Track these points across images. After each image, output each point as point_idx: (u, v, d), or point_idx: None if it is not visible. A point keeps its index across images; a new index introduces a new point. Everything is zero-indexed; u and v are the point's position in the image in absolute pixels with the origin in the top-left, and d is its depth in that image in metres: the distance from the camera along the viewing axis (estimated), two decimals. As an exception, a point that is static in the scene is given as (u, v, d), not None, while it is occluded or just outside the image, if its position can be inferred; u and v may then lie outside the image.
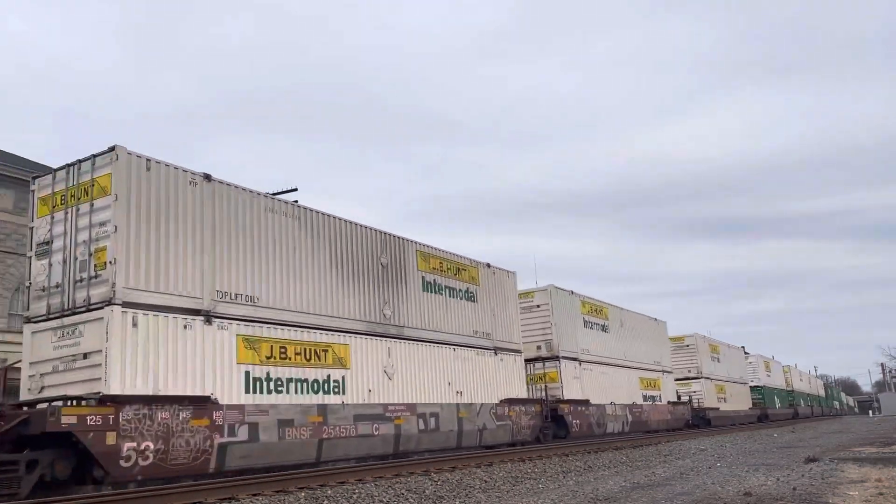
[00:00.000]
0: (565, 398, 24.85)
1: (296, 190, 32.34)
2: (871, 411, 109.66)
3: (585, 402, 26.07)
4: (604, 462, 17.24)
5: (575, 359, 26.29)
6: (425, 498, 11.32)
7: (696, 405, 39.31)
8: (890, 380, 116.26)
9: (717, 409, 42.00)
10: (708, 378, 41.99)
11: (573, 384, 25.64)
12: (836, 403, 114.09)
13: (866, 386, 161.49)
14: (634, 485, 12.56)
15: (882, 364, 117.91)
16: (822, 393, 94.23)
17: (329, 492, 11.15)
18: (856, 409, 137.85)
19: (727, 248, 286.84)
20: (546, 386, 24.66)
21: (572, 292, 27.90)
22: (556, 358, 25.26)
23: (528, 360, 24.05)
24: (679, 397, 37.52)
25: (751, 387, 52.23)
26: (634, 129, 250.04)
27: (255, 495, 10.62)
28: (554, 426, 24.06)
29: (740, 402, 47.79)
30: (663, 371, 35.24)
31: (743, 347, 52.87)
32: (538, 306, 25.91)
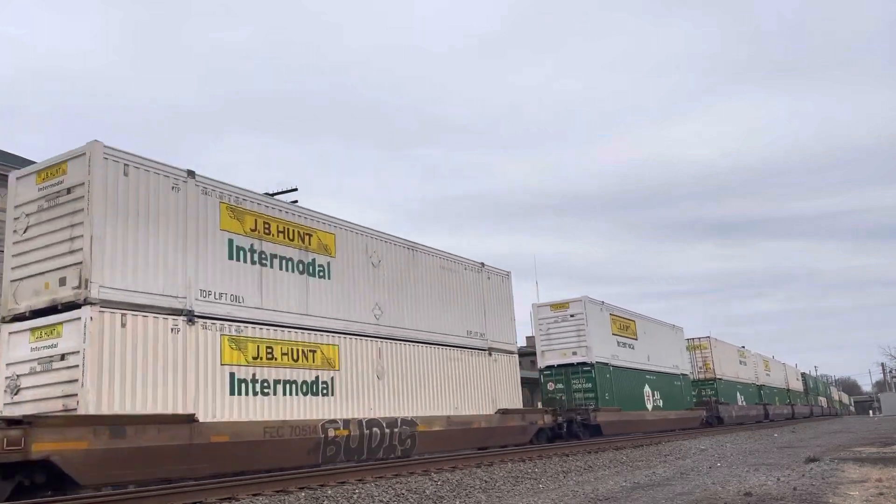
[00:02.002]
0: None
1: (296, 190, 32.41)
2: (871, 411, 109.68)
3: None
4: (604, 462, 17.24)
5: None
6: (425, 498, 11.30)
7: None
8: (890, 380, 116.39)
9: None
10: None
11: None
12: (825, 401, 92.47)
13: (867, 386, 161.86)
14: (635, 485, 12.55)
15: (882, 364, 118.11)
16: (794, 386, 69.03)
17: (329, 492, 11.15)
18: (851, 408, 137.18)
19: (727, 249, 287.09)
20: None
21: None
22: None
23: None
24: None
25: (578, 364, 27.90)
26: (635, 130, 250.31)
27: (255, 495, 10.61)
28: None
29: (472, 398, 19.85)
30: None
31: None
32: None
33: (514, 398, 22.24)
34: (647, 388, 32.54)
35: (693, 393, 40.17)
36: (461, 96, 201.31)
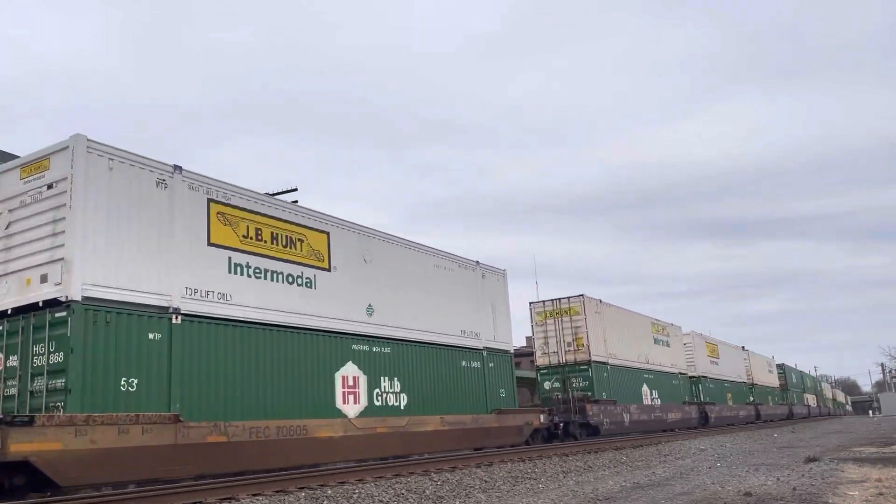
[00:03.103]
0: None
1: (296, 190, 32.36)
2: (871, 411, 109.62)
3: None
4: (604, 462, 17.25)
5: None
6: (425, 498, 11.31)
7: None
8: (890, 380, 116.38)
9: None
10: None
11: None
12: (813, 399, 77.62)
13: (866, 386, 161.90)
14: (634, 485, 12.56)
15: (882, 364, 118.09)
16: (765, 380, 55.63)
17: (329, 492, 11.15)
18: (848, 407, 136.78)
19: (727, 249, 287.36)
20: None
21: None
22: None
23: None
24: None
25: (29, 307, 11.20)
26: (635, 130, 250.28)
27: (255, 495, 10.61)
28: None
29: None
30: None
31: None
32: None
33: None
34: (349, 371, 16.10)
35: (556, 385, 27.97)
36: (462, 96, 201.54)
